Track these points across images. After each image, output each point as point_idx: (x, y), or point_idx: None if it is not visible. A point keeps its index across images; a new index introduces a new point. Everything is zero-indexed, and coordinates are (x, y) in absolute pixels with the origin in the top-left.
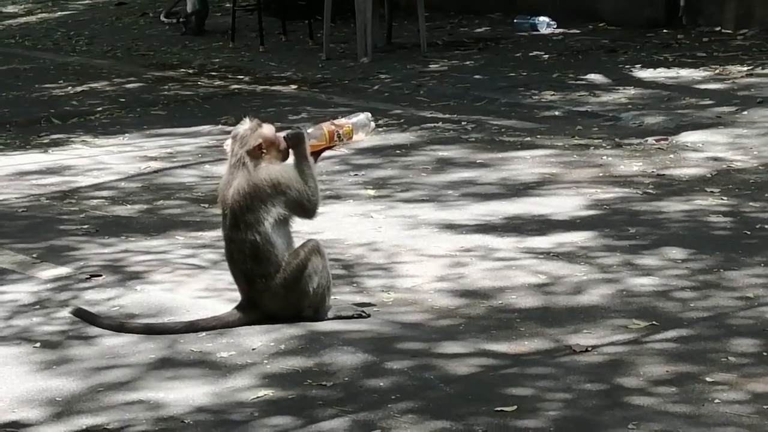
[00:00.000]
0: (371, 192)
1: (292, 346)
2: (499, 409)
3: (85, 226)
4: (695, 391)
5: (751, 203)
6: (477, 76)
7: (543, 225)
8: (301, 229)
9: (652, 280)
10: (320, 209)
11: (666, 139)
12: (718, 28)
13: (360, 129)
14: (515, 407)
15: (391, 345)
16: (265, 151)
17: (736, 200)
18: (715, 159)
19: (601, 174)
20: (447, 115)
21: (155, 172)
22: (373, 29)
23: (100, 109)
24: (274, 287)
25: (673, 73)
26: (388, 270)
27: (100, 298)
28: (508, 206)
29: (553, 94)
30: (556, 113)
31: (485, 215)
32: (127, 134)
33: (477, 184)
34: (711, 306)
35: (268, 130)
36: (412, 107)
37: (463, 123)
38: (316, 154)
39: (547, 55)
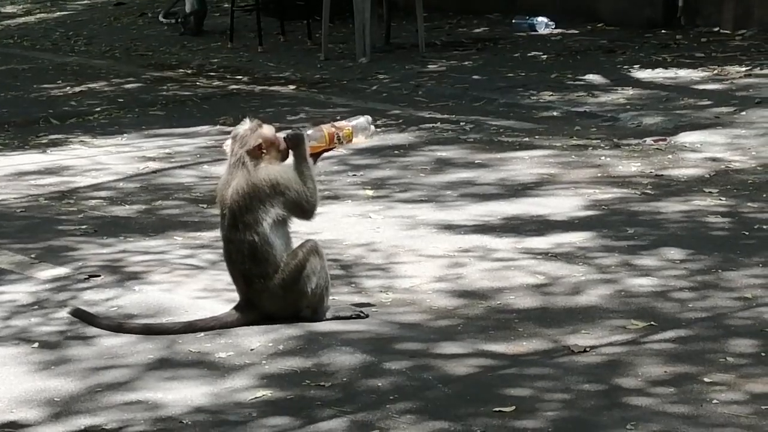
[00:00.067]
0: (370, 192)
1: (291, 347)
2: (497, 409)
3: (84, 227)
4: (693, 391)
5: (749, 204)
6: (475, 77)
7: (541, 225)
8: (300, 229)
9: (650, 280)
10: (318, 210)
11: (664, 140)
12: (716, 29)
13: (360, 132)
14: (514, 408)
15: (390, 345)
16: (265, 151)
17: (734, 201)
18: (714, 159)
19: (599, 174)
20: (445, 116)
21: (154, 172)
22: (372, 29)
23: (98, 109)
24: (273, 288)
25: (671, 73)
26: (387, 270)
27: (99, 298)
28: (506, 207)
29: (552, 95)
30: (555, 113)
31: (484, 216)
32: (125, 134)
33: (475, 184)
34: (709, 306)
35: (268, 130)
36: (411, 107)
37: (461, 123)
38: (316, 156)
39: (545, 56)
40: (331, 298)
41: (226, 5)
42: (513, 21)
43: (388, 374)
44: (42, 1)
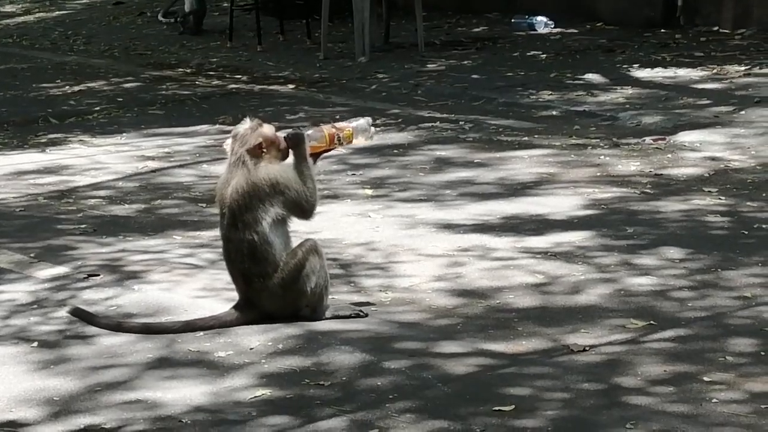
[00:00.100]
0: (369, 191)
1: (290, 346)
2: (497, 408)
3: (83, 226)
4: (693, 390)
5: (748, 203)
6: (475, 76)
7: (541, 225)
8: (299, 228)
9: (649, 279)
10: (318, 210)
11: (663, 139)
12: (715, 28)
13: (360, 133)
14: (513, 407)
15: (389, 344)
16: (265, 150)
17: (733, 200)
18: (713, 159)
19: (598, 174)
20: (445, 115)
21: (153, 171)
22: (371, 29)
23: (97, 108)
24: (272, 287)
25: (670, 72)
26: (386, 269)
27: (98, 297)
28: (505, 206)
29: (551, 94)
30: (554, 113)
31: (483, 215)
32: (124, 134)
33: (475, 183)
34: (709, 306)
35: (268, 129)
36: (410, 107)
37: (460, 122)
38: (316, 156)
39: (544, 55)
40: (330, 297)
41: (226, 4)
42: (512, 20)
43: (387, 373)
44: (41, 1)
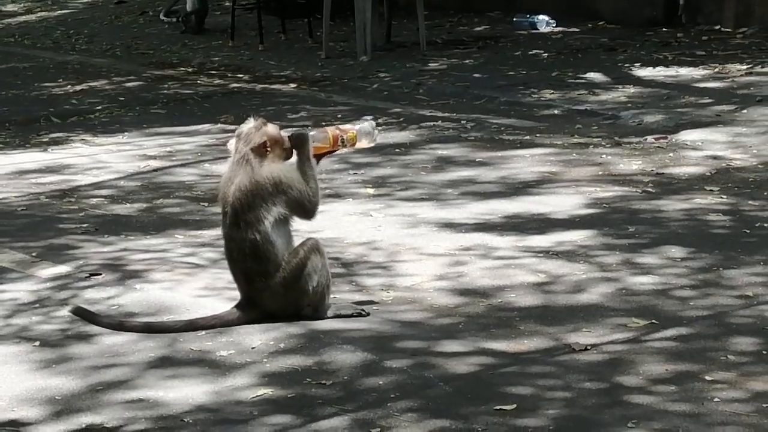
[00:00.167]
0: (371, 191)
1: (292, 345)
2: (498, 407)
3: (85, 225)
4: (695, 389)
5: (750, 202)
6: (476, 75)
7: (542, 224)
8: (301, 227)
9: (651, 278)
10: (320, 209)
11: (665, 138)
12: (717, 27)
13: (364, 136)
14: (515, 406)
15: (391, 344)
16: (269, 149)
17: (735, 199)
18: (715, 157)
19: (600, 172)
20: (446, 114)
21: (155, 170)
22: (373, 28)
23: (99, 107)
24: (274, 286)
25: (672, 71)
26: (388, 269)
27: (100, 296)
28: (507, 205)
29: (553, 93)
30: (556, 112)
31: (485, 214)
32: (126, 133)
33: (476, 182)
34: (710, 305)
35: (273, 128)
36: (412, 106)
37: (462, 121)
38: (318, 157)
39: (546, 54)
40: (332, 296)
41: (227, 4)
42: (514, 19)
43: (389, 372)
44: (43, 0)
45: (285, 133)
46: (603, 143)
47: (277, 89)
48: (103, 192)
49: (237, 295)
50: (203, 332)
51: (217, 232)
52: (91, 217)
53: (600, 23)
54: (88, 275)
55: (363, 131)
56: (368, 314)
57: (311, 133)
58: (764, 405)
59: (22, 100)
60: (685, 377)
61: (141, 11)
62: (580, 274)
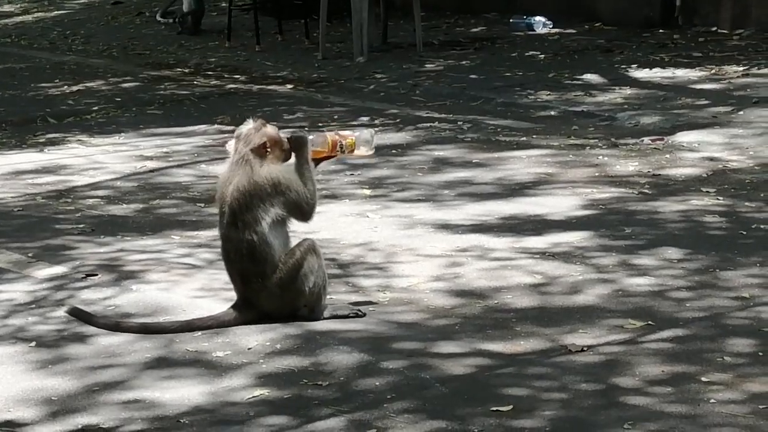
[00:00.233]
0: (367, 192)
1: (288, 346)
2: (495, 408)
3: (81, 226)
4: (691, 391)
5: (746, 203)
6: (473, 76)
7: (539, 225)
8: (297, 228)
9: (648, 280)
10: (317, 211)
11: (662, 139)
12: (714, 28)
13: (362, 144)
14: (511, 407)
15: (387, 345)
16: (269, 149)
17: (731, 200)
18: (711, 159)
19: (597, 174)
20: (443, 115)
21: (151, 171)
22: (369, 29)
23: (96, 108)
24: (270, 286)
25: (669, 73)
26: (384, 270)
27: (96, 297)
28: (504, 206)
29: (549, 94)
30: (552, 113)
31: (481, 215)
32: (123, 133)
33: (473, 183)
34: (707, 306)
35: (272, 129)
36: (408, 107)
37: (459, 123)
38: (316, 162)
39: (543, 55)
40: (328, 297)
41: (224, 4)
42: (510, 20)
43: (385, 373)
44: (39, 0)
45: (284, 135)
46: (599, 144)
47: (273, 90)
48: (100, 192)
49: (233, 295)
50: (200, 333)
51: (214, 232)
52: (88, 218)
53: (597, 24)
54: (84, 276)
55: (362, 139)
56: (364, 314)
57: (310, 137)
58: (760, 406)
59: (19, 101)
60: (681, 378)
61: (137, 12)
62: (576, 275)
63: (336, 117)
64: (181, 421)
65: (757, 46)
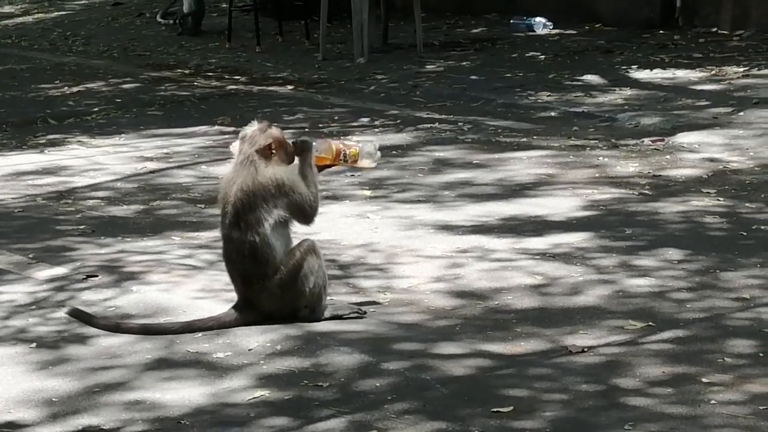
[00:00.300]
0: (368, 193)
1: (289, 347)
2: (495, 409)
3: (82, 227)
4: (692, 392)
5: (747, 204)
6: (473, 77)
7: (539, 226)
8: (298, 230)
9: (648, 281)
10: (319, 212)
11: (662, 140)
12: (714, 29)
13: (366, 156)
14: (512, 408)
15: (388, 345)
16: (274, 151)
17: (732, 201)
18: (712, 160)
19: (597, 175)
20: (443, 116)
21: (152, 172)
22: (370, 30)
23: (96, 109)
24: (271, 287)
25: (669, 74)
26: (385, 271)
27: (97, 298)
28: (504, 207)
29: (550, 95)
30: (553, 114)
31: (482, 216)
32: (123, 135)
33: (473, 184)
34: (707, 307)
35: (277, 131)
36: (409, 108)
37: (459, 124)
38: (318, 169)
39: (543, 56)
40: (329, 298)
41: (224, 5)
42: (511, 21)
43: (386, 374)
44: (40, 1)
45: (288, 135)
46: (600, 145)
47: (273, 91)
48: (100, 194)
49: (234, 296)
50: (200, 334)
51: (214, 233)
52: (88, 219)
53: (597, 25)
54: (84, 277)
55: (365, 151)
56: (365, 313)
57: (315, 142)
58: (761, 407)
59: (19, 102)
60: (681, 379)
61: (138, 13)
62: (576, 276)
63: (336, 118)
64: (182, 422)
65: (757, 47)
